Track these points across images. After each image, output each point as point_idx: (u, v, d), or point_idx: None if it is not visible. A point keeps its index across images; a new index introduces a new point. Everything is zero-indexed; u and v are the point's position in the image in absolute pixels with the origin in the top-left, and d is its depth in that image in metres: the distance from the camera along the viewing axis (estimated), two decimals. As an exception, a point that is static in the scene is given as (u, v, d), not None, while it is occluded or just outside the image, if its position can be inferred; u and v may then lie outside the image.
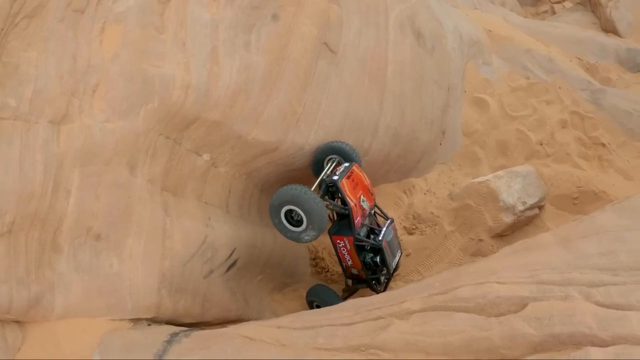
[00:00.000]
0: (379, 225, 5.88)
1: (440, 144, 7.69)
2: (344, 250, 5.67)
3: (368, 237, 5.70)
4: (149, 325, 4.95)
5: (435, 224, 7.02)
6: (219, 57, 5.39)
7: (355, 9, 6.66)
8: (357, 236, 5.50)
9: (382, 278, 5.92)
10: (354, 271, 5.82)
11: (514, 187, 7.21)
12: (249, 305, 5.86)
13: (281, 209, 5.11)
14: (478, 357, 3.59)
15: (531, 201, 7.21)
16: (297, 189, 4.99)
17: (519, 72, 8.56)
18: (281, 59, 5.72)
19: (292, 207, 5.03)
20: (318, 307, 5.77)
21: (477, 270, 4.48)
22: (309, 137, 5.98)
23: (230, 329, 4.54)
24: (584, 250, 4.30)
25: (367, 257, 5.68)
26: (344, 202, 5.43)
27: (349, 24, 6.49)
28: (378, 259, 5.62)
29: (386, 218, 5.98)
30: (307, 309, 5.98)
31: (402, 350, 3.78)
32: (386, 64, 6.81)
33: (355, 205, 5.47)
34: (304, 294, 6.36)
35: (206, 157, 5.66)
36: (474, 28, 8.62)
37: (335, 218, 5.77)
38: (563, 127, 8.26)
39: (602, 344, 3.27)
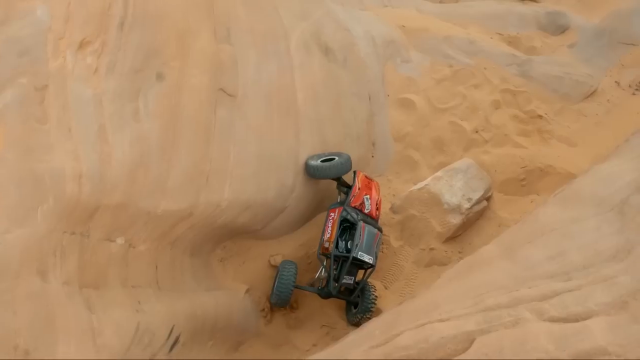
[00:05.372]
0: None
1: (373, 157, 7.41)
2: (330, 221, 6.26)
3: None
4: None
5: (382, 242, 6.74)
6: (107, 134, 5.06)
7: (250, 43, 6.33)
8: (346, 207, 6.19)
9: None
10: (326, 245, 6.16)
11: (455, 186, 6.95)
12: (205, 376, 5.56)
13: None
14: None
15: (476, 196, 6.96)
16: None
17: (440, 62, 8.27)
18: (175, 119, 5.40)
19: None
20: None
21: (418, 307, 4.23)
22: (224, 192, 5.66)
23: None
24: (531, 258, 4.05)
25: (341, 240, 6.20)
26: (350, 186, 6.47)
27: (245, 61, 6.16)
28: (349, 244, 6.11)
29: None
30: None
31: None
32: (294, 92, 6.50)
33: (359, 190, 6.34)
34: (261, 349, 6.12)
35: (120, 241, 5.32)
36: (387, 27, 8.32)
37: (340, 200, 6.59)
38: (496, 109, 8.02)
39: (564, 364, 3.00)
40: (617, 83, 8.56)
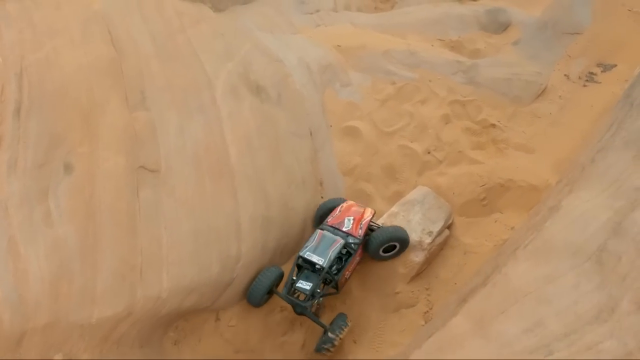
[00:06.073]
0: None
1: (322, 198, 6.91)
2: None
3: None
4: None
5: (344, 293, 6.30)
6: (19, 247, 4.55)
7: (169, 102, 5.74)
8: (323, 226, 6.26)
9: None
10: None
11: (413, 220, 6.53)
12: None
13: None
14: None
15: (437, 227, 6.55)
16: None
17: (383, 80, 7.76)
18: (92, 215, 4.83)
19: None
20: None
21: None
22: (162, 282, 5.12)
23: None
24: (506, 333, 3.74)
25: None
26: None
27: (165, 125, 5.58)
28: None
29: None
30: None
31: None
32: (226, 148, 5.94)
33: (339, 213, 6.42)
34: None
35: (58, 357, 4.81)
36: (322, 50, 7.75)
37: None
38: (447, 123, 7.58)
39: None
40: (567, 76, 8.20)
